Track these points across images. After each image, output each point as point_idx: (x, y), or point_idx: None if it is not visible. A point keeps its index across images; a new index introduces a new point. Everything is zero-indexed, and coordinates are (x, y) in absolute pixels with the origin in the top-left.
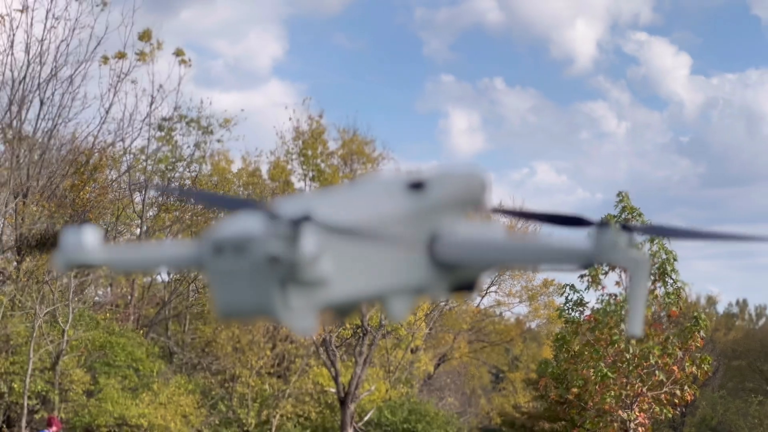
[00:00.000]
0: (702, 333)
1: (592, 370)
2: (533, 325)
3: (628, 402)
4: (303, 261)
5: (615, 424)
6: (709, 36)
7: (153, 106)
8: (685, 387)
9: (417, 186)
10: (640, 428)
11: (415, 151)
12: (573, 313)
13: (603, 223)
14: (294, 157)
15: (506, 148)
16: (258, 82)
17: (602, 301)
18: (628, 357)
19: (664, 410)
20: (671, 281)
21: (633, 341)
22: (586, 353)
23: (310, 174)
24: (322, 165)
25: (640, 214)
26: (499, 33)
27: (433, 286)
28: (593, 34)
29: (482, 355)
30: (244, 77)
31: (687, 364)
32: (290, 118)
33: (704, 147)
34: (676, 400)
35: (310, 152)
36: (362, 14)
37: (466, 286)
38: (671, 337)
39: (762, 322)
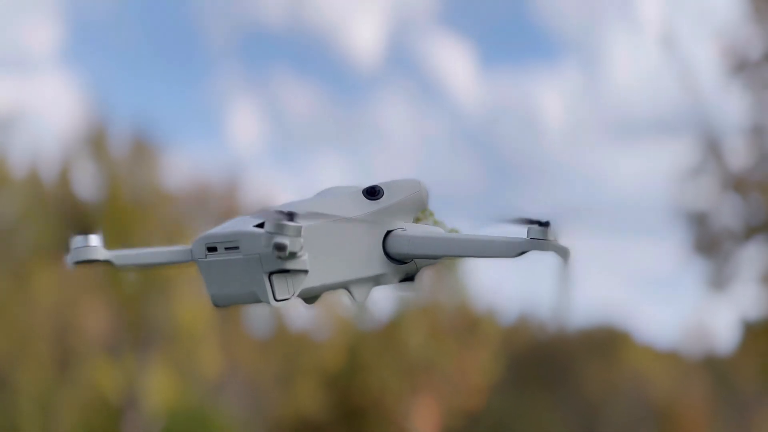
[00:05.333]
0: (490, 338)
1: (380, 378)
2: (322, 336)
3: (416, 410)
4: (290, 255)
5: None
6: (495, 28)
7: None
8: (475, 395)
9: (371, 193)
10: None
11: (202, 146)
12: (362, 325)
13: (533, 220)
14: (79, 159)
15: (291, 141)
16: (31, 75)
17: (395, 309)
18: (418, 364)
19: (455, 418)
20: (458, 285)
21: (423, 349)
22: (376, 362)
23: (100, 177)
24: (108, 167)
25: (431, 214)
26: (284, 25)
27: (387, 277)
28: (380, 26)
29: (272, 359)
30: (12, 69)
31: (476, 371)
32: (72, 117)
33: (489, 142)
34: (467, 408)
35: (94, 153)
36: (144, 4)
37: (412, 278)
38: (461, 344)
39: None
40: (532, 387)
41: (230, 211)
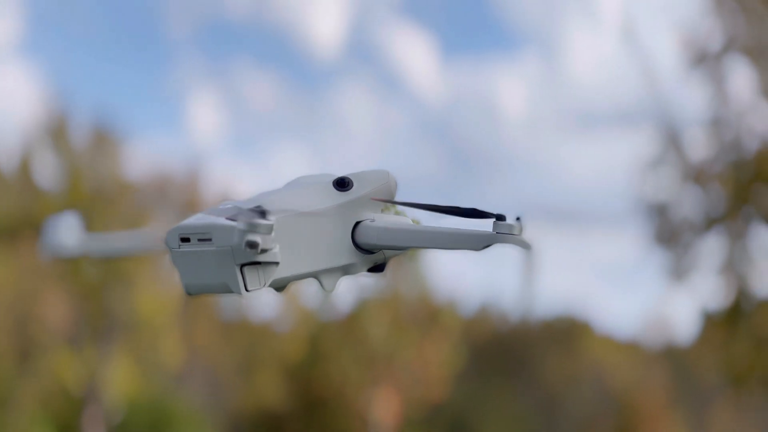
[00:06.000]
0: (452, 329)
1: (341, 369)
2: (283, 327)
3: (378, 401)
4: (261, 247)
5: (363, 424)
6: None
7: None
8: (436, 386)
9: (341, 184)
10: (387, 429)
11: (163, 136)
12: (325, 315)
13: (500, 215)
14: (40, 149)
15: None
16: None
17: (357, 300)
18: (379, 355)
19: (416, 408)
20: (420, 277)
21: (384, 340)
22: (337, 352)
23: (60, 167)
24: (69, 157)
25: (393, 204)
26: (246, 15)
27: (356, 267)
28: (341, 17)
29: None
30: None
31: (437, 362)
32: (32, 107)
33: (450, 134)
34: (428, 399)
35: (55, 143)
36: None
37: (380, 267)
38: (422, 335)
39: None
40: (493, 377)
41: (191, 200)
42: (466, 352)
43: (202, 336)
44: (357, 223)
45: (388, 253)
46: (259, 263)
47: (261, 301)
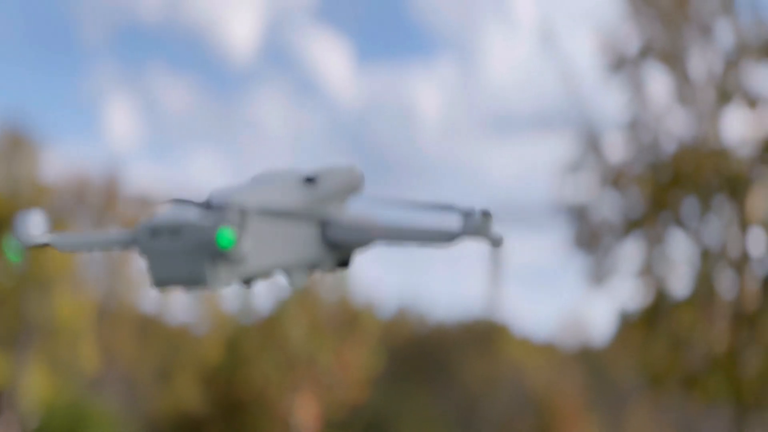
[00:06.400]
0: (371, 333)
1: (262, 372)
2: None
3: (298, 404)
4: (232, 242)
5: (284, 427)
6: (372, 25)
7: None
8: (356, 388)
9: (310, 180)
10: (308, 431)
11: (80, 140)
12: (245, 319)
13: (468, 211)
14: None
15: (169, 136)
16: None
17: (277, 303)
18: (299, 359)
19: (336, 411)
20: (339, 280)
21: (304, 344)
22: (257, 356)
23: None
24: None
25: None
26: (160, 20)
27: (323, 262)
28: (256, 22)
29: (150, 353)
30: None
31: (357, 365)
32: None
33: (366, 139)
34: (348, 401)
35: None
36: None
37: (346, 262)
38: (341, 338)
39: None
40: (412, 379)
41: (109, 204)
42: (385, 355)
43: (120, 340)
44: (325, 219)
45: (355, 248)
46: (228, 258)
47: (178, 305)
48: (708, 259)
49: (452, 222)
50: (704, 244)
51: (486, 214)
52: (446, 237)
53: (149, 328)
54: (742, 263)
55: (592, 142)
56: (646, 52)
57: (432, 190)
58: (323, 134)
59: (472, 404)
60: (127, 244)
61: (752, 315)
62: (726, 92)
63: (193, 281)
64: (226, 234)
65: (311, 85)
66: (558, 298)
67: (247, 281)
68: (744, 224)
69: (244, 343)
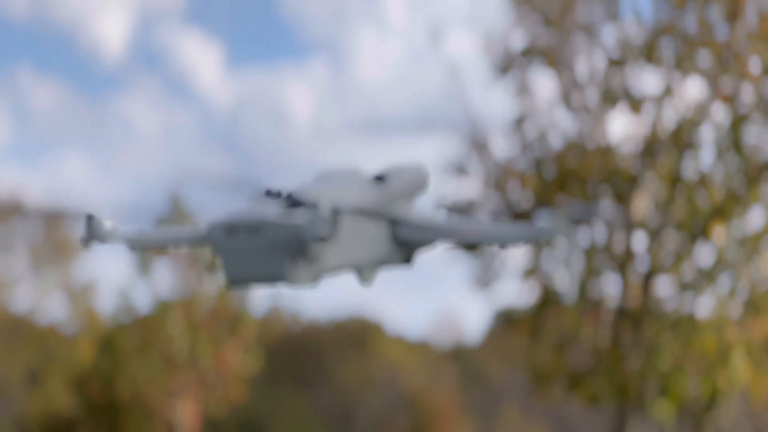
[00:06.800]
0: (249, 332)
1: (140, 373)
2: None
3: (178, 404)
4: (322, 240)
5: (163, 427)
6: (244, 27)
7: None
8: (235, 388)
9: (380, 179)
10: (188, 430)
11: None
12: (123, 318)
13: (546, 212)
14: None
15: (35, 141)
16: None
17: (156, 303)
18: (179, 358)
19: (216, 410)
20: (217, 278)
21: (183, 344)
22: (135, 356)
23: None
24: None
25: (189, 217)
26: (26, 19)
27: (391, 259)
28: (126, 22)
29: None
30: None
31: (236, 365)
32: None
33: (237, 141)
34: (227, 400)
35: None
36: None
37: (409, 259)
38: (221, 337)
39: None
40: (287, 378)
41: None
42: (263, 355)
43: None
44: (395, 217)
45: (423, 246)
46: (308, 255)
47: (52, 306)
48: (592, 258)
49: (515, 224)
50: (589, 242)
51: (560, 215)
52: (522, 237)
53: (17, 328)
54: (625, 262)
55: (477, 141)
56: (531, 53)
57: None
58: (195, 135)
59: (348, 403)
60: (200, 241)
61: (635, 314)
62: (610, 93)
63: (273, 279)
64: (320, 231)
65: (182, 86)
66: (433, 297)
67: (320, 279)
68: (628, 223)
69: (120, 343)
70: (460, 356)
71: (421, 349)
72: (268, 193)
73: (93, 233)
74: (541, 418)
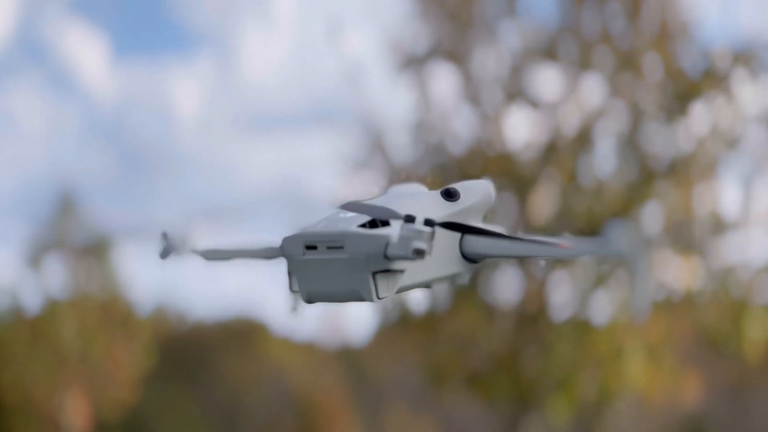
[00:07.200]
0: (141, 330)
1: (28, 372)
2: None
3: (68, 403)
4: (419, 254)
5: (53, 428)
6: (129, 20)
7: None
8: (127, 387)
9: (451, 195)
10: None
11: None
12: (9, 317)
13: (616, 225)
14: None
15: None
16: None
17: (45, 301)
18: (69, 357)
19: (107, 411)
20: (109, 276)
21: (73, 341)
22: (22, 355)
23: None
24: None
25: (78, 213)
26: None
27: (462, 276)
28: (7, 12)
29: None
30: None
31: (128, 363)
32: None
33: (123, 134)
34: (119, 400)
35: None
36: None
37: (473, 275)
38: (112, 335)
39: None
40: (173, 378)
41: None
42: (156, 353)
43: None
44: (463, 233)
45: (488, 261)
46: (389, 271)
47: None
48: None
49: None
50: None
51: (629, 227)
52: (581, 252)
53: None
54: (525, 263)
55: (376, 142)
56: (433, 51)
57: (186, 186)
58: (79, 129)
59: (235, 403)
60: (276, 255)
61: (534, 314)
62: (511, 93)
63: (352, 295)
64: (417, 245)
65: (66, 79)
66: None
67: (400, 294)
68: (528, 224)
69: (7, 342)
70: (347, 356)
71: (307, 349)
72: (344, 208)
73: (170, 248)
74: (430, 417)
